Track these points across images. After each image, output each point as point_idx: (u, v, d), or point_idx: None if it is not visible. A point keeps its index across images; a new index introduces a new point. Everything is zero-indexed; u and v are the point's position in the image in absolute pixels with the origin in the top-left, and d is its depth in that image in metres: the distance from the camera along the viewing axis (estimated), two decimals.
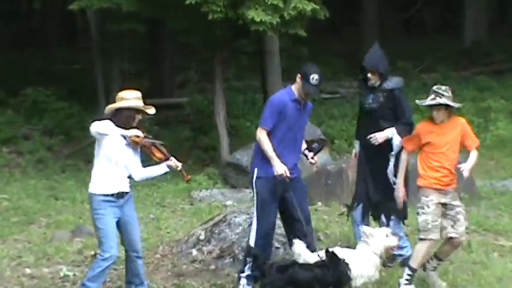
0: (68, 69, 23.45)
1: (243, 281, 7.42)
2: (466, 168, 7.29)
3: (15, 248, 9.25)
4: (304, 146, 7.59)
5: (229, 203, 11.26)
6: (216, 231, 8.57)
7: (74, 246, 9.16)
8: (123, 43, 17.79)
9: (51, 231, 9.98)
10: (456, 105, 7.34)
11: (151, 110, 6.98)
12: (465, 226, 7.48)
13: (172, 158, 7.01)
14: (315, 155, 7.49)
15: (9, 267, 8.47)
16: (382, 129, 7.87)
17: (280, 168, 7.16)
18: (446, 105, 7.29)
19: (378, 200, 8.05)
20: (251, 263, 7.17)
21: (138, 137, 6.84)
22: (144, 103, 7.02)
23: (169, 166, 7.01)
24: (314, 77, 7.21)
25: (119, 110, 6.85)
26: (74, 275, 8.06)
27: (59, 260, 8.69)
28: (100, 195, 6.84)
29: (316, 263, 6.86)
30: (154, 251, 8.83)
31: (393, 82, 7.99)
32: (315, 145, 7.53)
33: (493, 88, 18.29)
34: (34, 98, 17.61)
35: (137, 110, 6.91)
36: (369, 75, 7.98)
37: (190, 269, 8.22)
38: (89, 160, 6.80)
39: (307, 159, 7.54)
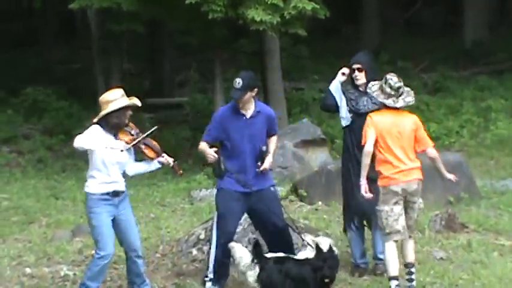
0: (68, 69, 23.42)
1: (208, 285, 7.43)
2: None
3: (15, 247, 9.25)
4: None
5: None
6: None
7: (74, 246, 9.17)
8: (123, 43, 17.80)
9: (51, 231, 9.99)
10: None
11: (137, 101, 6.96)
12: None
13: (164, 155, 7.11)
14: (262, 162, 7.28)
15: (10, 266, 8.47)
16: None
17: (209, 154, 7.28)
18: None
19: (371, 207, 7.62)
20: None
21: (127, 143, 6.87)
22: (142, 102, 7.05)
23: (160, 162, 7.12)
24: (236, 81, 7.20)
25: (109, 115, 6.80)
26: (74, 274, 8.06)
27: (60, 260, 8.70)
28: (96, 194, 6.86)
29: (308, 258, 6.92)
30: (155, 251, 8.83)
31: None
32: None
33: (493, 88, 18.28)
34: (34, 97, 17.64)
35: (126, 107, 6.89)
36: (356, 73, 7.89)
37: (190, 268, 8.22)
38: (88, 160, 6.82)
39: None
